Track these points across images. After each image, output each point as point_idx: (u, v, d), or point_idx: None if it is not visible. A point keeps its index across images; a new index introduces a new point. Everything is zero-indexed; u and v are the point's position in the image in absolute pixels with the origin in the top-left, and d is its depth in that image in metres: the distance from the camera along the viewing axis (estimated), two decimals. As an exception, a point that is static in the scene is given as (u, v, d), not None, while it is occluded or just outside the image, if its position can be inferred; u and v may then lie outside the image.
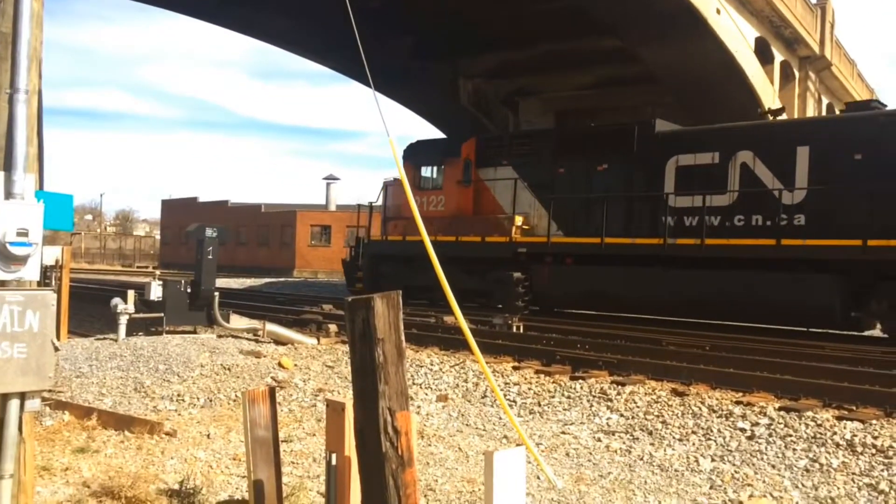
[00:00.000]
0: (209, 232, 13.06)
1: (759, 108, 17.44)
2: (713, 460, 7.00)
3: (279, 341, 12.52)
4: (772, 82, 29.49)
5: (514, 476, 3.96)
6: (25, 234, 3.73)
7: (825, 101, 35.35)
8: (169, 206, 63.29)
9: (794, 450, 7.11)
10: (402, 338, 3.58)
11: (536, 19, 26.30)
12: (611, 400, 8.99)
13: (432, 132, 38.95)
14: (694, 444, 7.50)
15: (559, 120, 32.90)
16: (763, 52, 29.02)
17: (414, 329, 13.72)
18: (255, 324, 13.02)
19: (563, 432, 8.02)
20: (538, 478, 6.11)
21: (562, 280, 18.07)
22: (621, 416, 8.49)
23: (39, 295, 3.73)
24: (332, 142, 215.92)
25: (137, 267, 58.16)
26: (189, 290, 12.92)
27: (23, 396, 3.69)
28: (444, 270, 4.82)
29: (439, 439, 7.60)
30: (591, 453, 7.26)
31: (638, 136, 17.51)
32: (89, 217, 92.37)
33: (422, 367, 10.92)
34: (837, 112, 31.18)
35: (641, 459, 7.07)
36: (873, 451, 6.89)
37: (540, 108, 33.71)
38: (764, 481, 6.40)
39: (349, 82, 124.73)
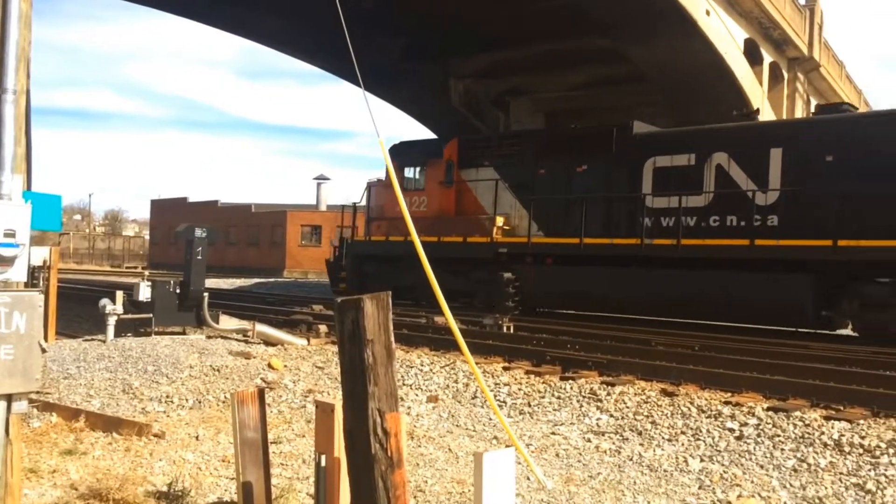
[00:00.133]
0: (198, 232, 13.02)
1: (734, 111, 17.71)
2: (702, 460, 7.03)
3: (269, 342, 12.48)
4: (761, 83, 29.65)
5: (504, 477, 3.97)
6: (13, 235, 3.71)
7: (814, 102, 35.54)
8: (158, 206, 63.01)
9: (783, 450, 7.15)
10: (392, 339, 3.58)
11: (528, 20, 26.33)
12: (600, 400, 9.01)
13: (423, 132, 38.99)
14: (683, 444, 7.53)
15: (549, 121, 32.95)
16: (752, 54, 29.17)
17: (404, 329, 13.72)
18: (245, 324, 12.99)
19: (553, 433, 8.03)
20: (528, 478, 6.12)
21: (542, 280, 18.21)
22: (611, 416, 8.52)
23: (26, 296, 3.71)
24: (322, 142, 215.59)
25: (126, 267, 57.90)
26: (178, 291, 12.88)
27: (9, 398, 3.67)
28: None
29: (429, 440, 7.60)
30: (580, 454, 7.28)
31: (616, 137, 17.76)
32: (78, 217, 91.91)
33: (412, 367, 10.91)
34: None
35: (631, 460, 7.09)
36: (860, 450, 6.94)
37: (531, 109, 33.75)
38: (752, 481, 6.43)
39: (339, 82, 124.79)
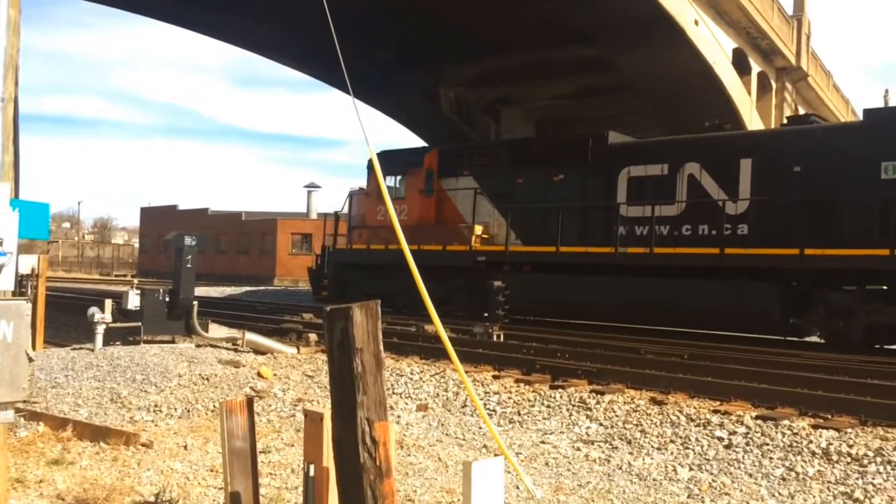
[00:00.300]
0: (188, 240, 12.96)
1: (706, 122, 18.04)
2: (691, 469, 7.04)
3: (259, 351, 12.44)
4: (749, 93, 29.86)
5: (493, 486, 3.96)
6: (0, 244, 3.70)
7: (801, 111, 35.81)
8: (148, 214, 62.74)
9: (771, 458, 7.17)
10: (381, 347, 3.58)
11: (517, 29, 26.43)
12: (590, 409, 9.02)
13: (414, 140, 39.01)
14: (672, 452, 7.55)
15: (540, 129, 33.07)
16: (740, 63, 29.38)
17: (395, 338, 13.71)
18: (235, 333, 12.93)
19: (543, 441, 8.03)
20: (517, 487, 6.11)
21: (520, 288, 18.31)
22: (600, 425, 8.52)
23: (13, 305, 3.70)
24: (313, 150, 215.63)
25: (115, 275, 57.59)
26: (167, 299, 12.82)
27: (-4, 408, 3.65)
28: (409, 279, 4.84)
29: (419, 449, 7.58)
30: (570, 463, 7.28)
31: (592, 147, 18.00)
32: (67, 225, 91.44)
33: (402, 376, 10.90)
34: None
35: (620, 469, 7.10)
36: (848, 459, 6.97)
37: (521, 118, 33.86)
38: (741, 490, 6.45)
39: (330, 90, 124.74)
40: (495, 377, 10.76)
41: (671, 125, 24.93)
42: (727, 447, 7.54)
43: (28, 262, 11.96)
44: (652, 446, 7.75)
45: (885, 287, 14.07)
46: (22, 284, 11.45)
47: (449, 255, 19.43)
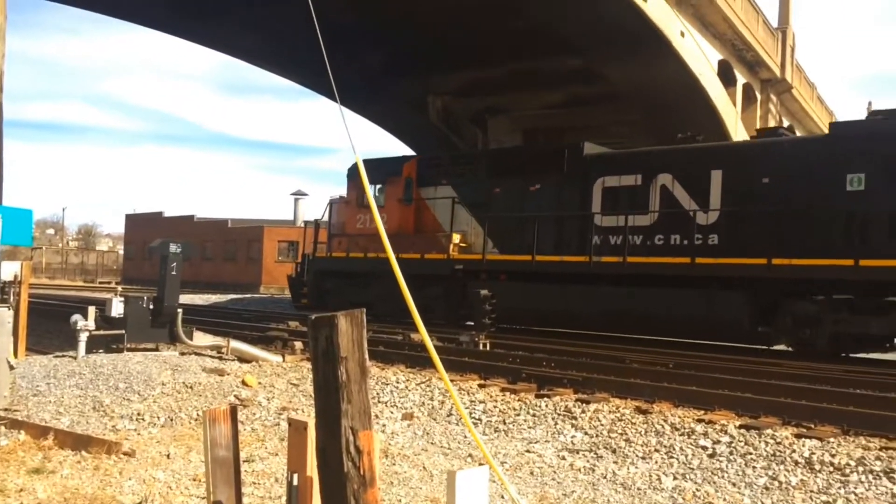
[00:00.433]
0: (173, 247, 12.91)
1: (678, 134, 18.32)
2: (675, 478, 7.06)
3: (243, 359, 12.38)
4: (734, 104, 30.12)
5: (477, 495, 3.95)
6: (-19, 251, 3.67)
7: (786, 122, 36.15)
8: (133, 221, 62.41)
9: (754, 468, 7.20)
10: (366, 356, 3.58)
11: (506, 39, 26.55)
12: (575, 418, 9.03)
13: (401, 148, 39.05)
14: (657, 462, 7.56)
15: (527, 138, 33.18)
16: (726, 75, 29.66)
17: (381, 346, 13.69)
18: (219, 341, 12.87)
19: (528, 451, 8.03)
20: (502, 497, 6.11)
21: (498, 296, 18.39)
22: (586, 434, 8.53)
23: (-5, 312, 3.67)
24: (300, 157, 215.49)
25: (100, 282, 57.22)
26: (151, 307, 12.74)
27: (-25, 416, 3.62)
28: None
29: (404, 458, 7.56)
30: (555, 472, 7.28)
31: (568, 157, 18.23)
32: (51, 231, 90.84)
33: (388, 384, 10.87)
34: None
35: (605, 478, 7.11)
36: (831, 468, 7.01)
37: (509, 127, 33.97)
38: (724, 499, 6.47)
39: (318, 98, 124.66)
40: (481, 386, 10.76)
41: (658, 135, 25.06)
42: (711, 456, 7.57)
43: (11, 269, 11.84)
44: (637, 455, 7.76)
45: (851, 297, 14.26)
46: (4, 291, 11.34)
47: (427, 264, 19.55)
